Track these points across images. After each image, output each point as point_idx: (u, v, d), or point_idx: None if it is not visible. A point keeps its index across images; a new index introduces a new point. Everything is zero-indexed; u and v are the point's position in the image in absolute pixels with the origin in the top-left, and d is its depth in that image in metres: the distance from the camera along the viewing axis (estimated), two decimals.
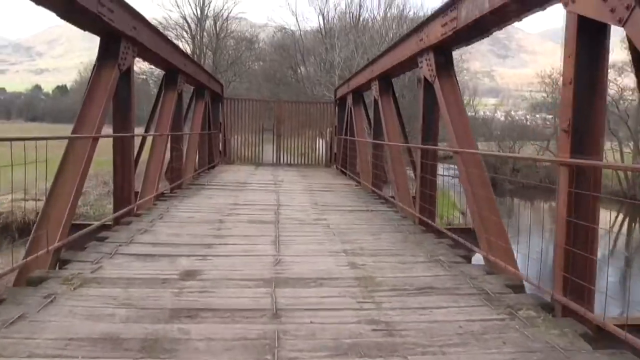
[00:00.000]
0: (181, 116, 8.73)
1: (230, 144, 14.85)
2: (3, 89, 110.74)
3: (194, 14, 29.51)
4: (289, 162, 15.06)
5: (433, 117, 5.62)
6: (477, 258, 4.44)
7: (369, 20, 30.23)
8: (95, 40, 5.10)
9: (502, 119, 42.02)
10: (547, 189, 22.48)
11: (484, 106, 50.46)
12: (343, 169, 12.09)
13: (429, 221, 5.31)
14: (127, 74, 5.43)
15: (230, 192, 8.08)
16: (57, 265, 3.79)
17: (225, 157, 14.40)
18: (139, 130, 7.31)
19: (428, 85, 5.47)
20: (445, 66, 5.14)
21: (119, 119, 5.57)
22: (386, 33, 27.16)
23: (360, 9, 30.20)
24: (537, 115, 36.55)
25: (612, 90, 22.94)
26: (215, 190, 8.29)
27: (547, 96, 30.60)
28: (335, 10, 30.86)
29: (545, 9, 3.41)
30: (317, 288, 3.28)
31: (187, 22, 29.49)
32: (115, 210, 5.54)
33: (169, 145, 7.75)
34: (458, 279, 3.49)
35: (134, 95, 5.72)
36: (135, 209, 5.90)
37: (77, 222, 5.37)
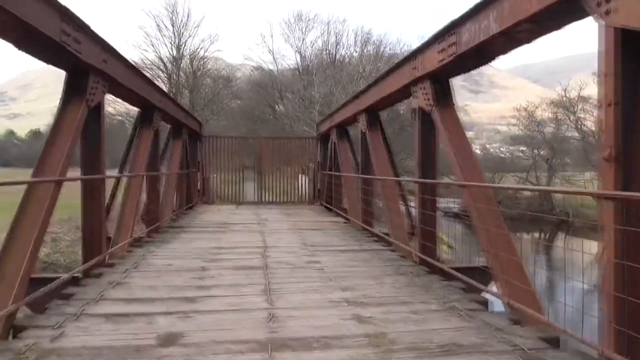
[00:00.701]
0: (157, 155, 8.24)
1: (209, 183, 14.31)
2: None
3: (169, 53, 29.27)
4: (271, 200, 14.56)
5: (431, 149, 5.27)
6: (492, 300, 3.98)
7: (346, 57, 30.57)
8: None
9: (478, 151, 42.61)
10: (527, 220, 22.29)
11: None
12: (328, 206, 11.65)
13: (434, 262, 4.86)
14: (96, 110, 4.95)
15: (211, 235, 7.54)
16: (11, 333, 3.19)
17: (204, 196, 13.85)
18: (112, 172, 6.80)
19: (424, 116, 5.13)
20: (443, 95, 4.81)
21: (87, 159, 5.05)
22: (363, 69, 27.45)
23: (337, 47, 30.54)
24: (511, 148, 37.04)
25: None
26: (195, 233, 7.74)
27: (524, 129, 31.04)
28: (312, 48, 31.12)
29: (561, 28, 3.11)
30: (322, 352, 2.77)
31: (162, 61, 29.19)
32: (84, 260, 4.95)
33: (144, 186, 7.25)
34: (483, 332, 3.03)
35: (104, 134, 5.23)
36: (107, 257, 5.32)
37: (40, 275, 4.74)
